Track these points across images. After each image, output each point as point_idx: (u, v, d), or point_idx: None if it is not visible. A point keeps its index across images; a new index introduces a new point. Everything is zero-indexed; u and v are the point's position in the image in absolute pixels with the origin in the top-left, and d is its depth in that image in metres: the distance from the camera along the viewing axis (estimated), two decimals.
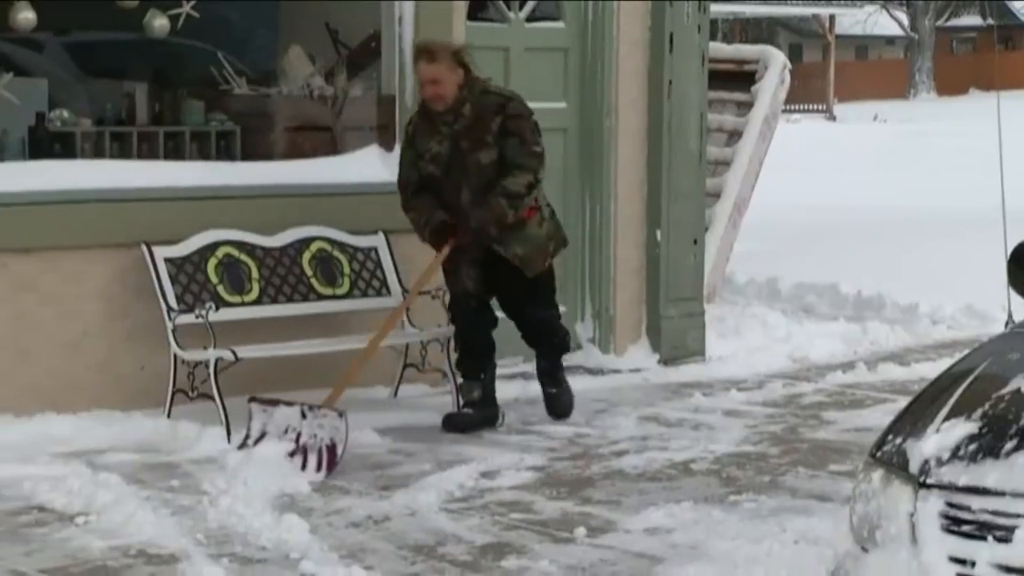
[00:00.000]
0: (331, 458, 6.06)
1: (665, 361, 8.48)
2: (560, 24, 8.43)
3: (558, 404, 7.13)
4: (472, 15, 8.03)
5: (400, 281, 7.39)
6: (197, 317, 6.67)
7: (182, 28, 8.11)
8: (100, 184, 6.90)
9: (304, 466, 6.05)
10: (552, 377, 7.16)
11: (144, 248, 6.79)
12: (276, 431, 6.19)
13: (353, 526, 5.41)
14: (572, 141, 8.47)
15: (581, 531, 5.36)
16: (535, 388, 7.57)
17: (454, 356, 7.09)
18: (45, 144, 7.82)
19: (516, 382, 7.75)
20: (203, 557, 4.99)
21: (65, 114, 7.97)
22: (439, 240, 6.76)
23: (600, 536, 5.34)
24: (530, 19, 8.32)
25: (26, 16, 7.54)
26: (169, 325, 6.71)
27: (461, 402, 7.03)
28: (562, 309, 8.42)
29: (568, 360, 8.29)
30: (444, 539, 5.29)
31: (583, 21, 8.43)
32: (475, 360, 6.95)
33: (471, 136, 6.67)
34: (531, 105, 8.19)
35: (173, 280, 6.82)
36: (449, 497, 5.78)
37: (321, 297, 7.22)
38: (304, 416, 6.15)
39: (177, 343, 6.70)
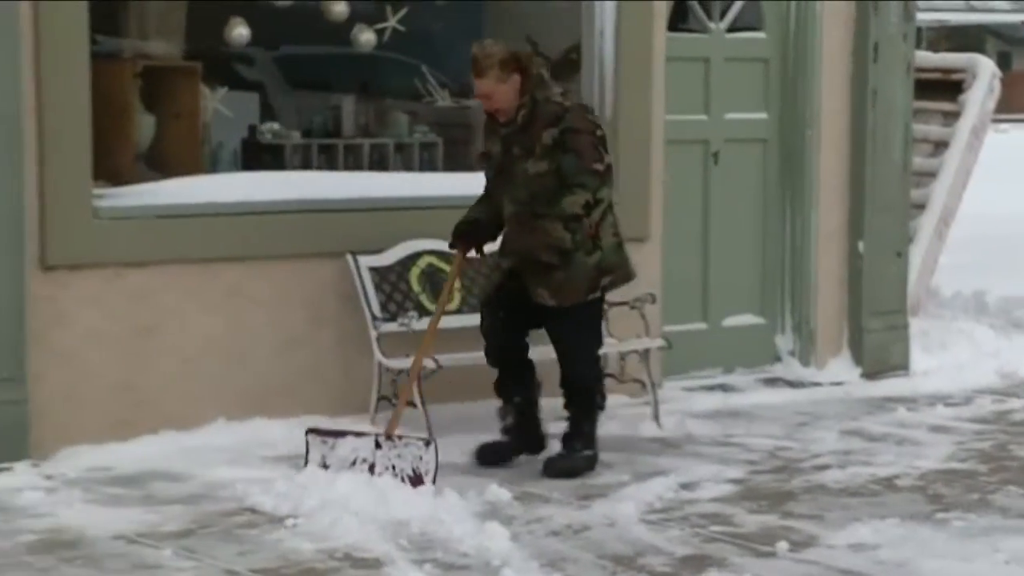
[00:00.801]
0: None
1: (867, 375, 8.33)
2: (761, 34, 8.36)
3: (551, 466, 6.20)
4: (673, 25, 8.01)
5: None
6: (400, 326, 6.79)
7: (388, 41, 8.29)
8: (308, 195, 7.08)
9: None
10: (567, 440, 6.25)
11: (350, 258, 6.95)
12: (339, 463, 5.90)
13: (553, 535, 5.44)
14: (772, 152, 8.39)
15: (783, 545, 5.30)
16: (735, 400, 7.51)
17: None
18: (256, 156, 8.08)
19: (715, 394, 7.73)
20: (406, 562, 5.08)
21: (275, 127, 8.22)
22: (455, 242, 6.35)
23: (803, 551, 5.27)
24: (731, 29, 8.28)
25: (240, 32, 7.79)
26: (373, 333, 6.85)
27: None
28: (762, 321, 8.41)
29: (768, 372, 8.25)
30: (643, 550, 5.28)
31: (785, 30, 8.34)
32: (502, 377, 6.35)
33: (521, 143, 6.11)
34: (732, 116, 8.24)
35: (377, 289, 6.95)
36: (648, 508, 5.77)
37: None
38: (379, 446, 5.88)
39: (381, 351, 6.84)
